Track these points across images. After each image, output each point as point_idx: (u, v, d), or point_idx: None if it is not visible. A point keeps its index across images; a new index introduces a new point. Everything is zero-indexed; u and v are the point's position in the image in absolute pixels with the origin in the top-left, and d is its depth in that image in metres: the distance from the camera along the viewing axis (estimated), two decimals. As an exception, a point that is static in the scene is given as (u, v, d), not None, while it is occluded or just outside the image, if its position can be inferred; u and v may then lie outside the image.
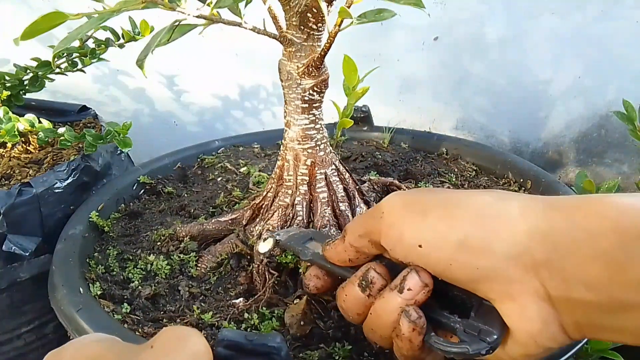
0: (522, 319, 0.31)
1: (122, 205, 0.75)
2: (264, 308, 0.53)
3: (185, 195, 0.78)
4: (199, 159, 0.87)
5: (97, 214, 0.69)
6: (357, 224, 0.40)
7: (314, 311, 0.52)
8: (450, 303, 0.37)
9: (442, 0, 1.07)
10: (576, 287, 0.29)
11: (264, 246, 0.48)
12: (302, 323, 0.50)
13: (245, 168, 0.83)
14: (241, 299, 0.55)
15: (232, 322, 0.52)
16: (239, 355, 0.34)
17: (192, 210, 0.73)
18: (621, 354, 0.69)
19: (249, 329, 0.51)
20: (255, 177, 0.78)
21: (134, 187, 0.79)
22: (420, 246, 0.34)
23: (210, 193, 0.78)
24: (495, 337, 0.33)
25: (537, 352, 0.32)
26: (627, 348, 0.70)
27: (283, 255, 0.56)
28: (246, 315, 0.52)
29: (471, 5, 1.08)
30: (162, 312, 0.55)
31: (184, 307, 0.56)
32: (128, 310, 0.54)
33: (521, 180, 0.75)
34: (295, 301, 0.53)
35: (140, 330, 0.51)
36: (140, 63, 0.40)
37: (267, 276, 0.55)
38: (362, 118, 0.92)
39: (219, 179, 0.81)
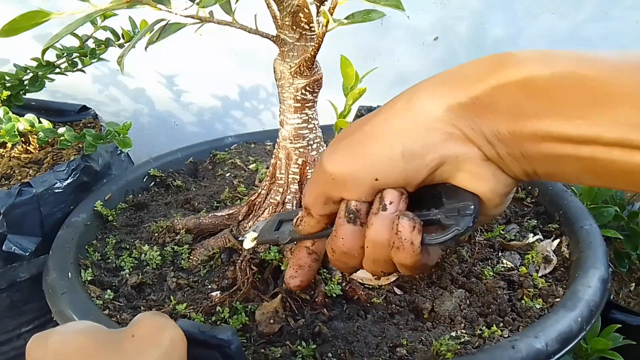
0: (478, 182, 0.36)
1: (130, 196, 0.77)
2: (239, 303, 0.54)
3: (193, 189, 0.79)
4: (211, 154, 0.88)
5: (101, 203, 0.71)
6: (314, 195, 0.41)
7: (288, 309, 0.53)
8: (422, 201, 0.39)
9: (442, 0, 1.07)
10: (497, 145, 0.34)
11: (247, 242, 0.48)
12: (271, 321, 0.51)
13: (254, 165, 0.84)
14: (218, 292, 0.55)
15: (201, 314, 0.53)
16: (192, 345, 0.35)
17: (197, 204, 0.74)
18: (621, 354, 0.68)
19: (218, 322, 0.52)
20: (262, 174, 0.79)
21: (144, 179, 0.80)
22: (377, 179, 0.37)
23: (217, 188, 0.78)
24: (472, 206, 0.36)
25: (502, 199, 0.38)
26: (627, 348, 0.69)
27: (267, 252, 0.57)
28: (219, 308, 0.53)
29: (471, 5, 1.08)
30: (144, 301, 0.56)
31: (165, 297, 0.56)
32: (112, 297, 0.56)
33: (529, 187, 0.76)
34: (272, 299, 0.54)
35: (118, 316, 0.53)
36: (119, 60, 0.41)
37: (247, 271, 0.56)
38: None
39: (227, 174, 0.82)
